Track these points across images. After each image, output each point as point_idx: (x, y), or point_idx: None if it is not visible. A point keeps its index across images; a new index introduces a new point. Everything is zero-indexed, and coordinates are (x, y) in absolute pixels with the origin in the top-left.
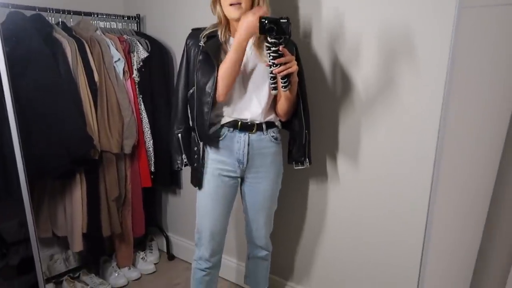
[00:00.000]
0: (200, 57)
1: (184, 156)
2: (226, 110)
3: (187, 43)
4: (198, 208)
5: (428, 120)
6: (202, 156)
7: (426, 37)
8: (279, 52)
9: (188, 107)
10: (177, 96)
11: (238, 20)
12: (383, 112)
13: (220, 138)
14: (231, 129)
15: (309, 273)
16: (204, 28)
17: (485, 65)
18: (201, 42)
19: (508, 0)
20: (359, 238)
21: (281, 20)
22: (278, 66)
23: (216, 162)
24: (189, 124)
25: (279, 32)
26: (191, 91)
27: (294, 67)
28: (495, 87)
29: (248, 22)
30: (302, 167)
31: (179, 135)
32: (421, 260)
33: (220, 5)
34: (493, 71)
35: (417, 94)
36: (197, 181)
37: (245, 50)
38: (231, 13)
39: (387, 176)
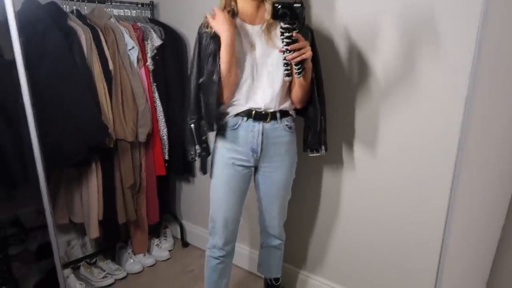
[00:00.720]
0: (211, 46)
1: (197, 146)
2: (239, 99)
3: (200, 31)
4: (212, 197)
5: (450, 112)
6: (208, 145)
7: (451, 23)
8: (293, 38)
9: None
10: (189, 86)
11: (253, 9)
12: (403, 100)
13: (234, 128)
14: (245, 118)
15: (322, 262)
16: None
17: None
18: (208, 29)
19: None
20: (374, 228)
21: (294, 5)
22: (292, 52)
23: (229, 151)
24: (202, 113)
25: (292, 17)
26: (201, 80)
27: (308, 53)
28: None
29: (219, 24)
30: (317, 155)
31: (192, 125)
32: (440, 253)
33: None
34: None
35: (439, 84)
36: (204, 167)
37: (233, 41)
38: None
39: (405, 167)
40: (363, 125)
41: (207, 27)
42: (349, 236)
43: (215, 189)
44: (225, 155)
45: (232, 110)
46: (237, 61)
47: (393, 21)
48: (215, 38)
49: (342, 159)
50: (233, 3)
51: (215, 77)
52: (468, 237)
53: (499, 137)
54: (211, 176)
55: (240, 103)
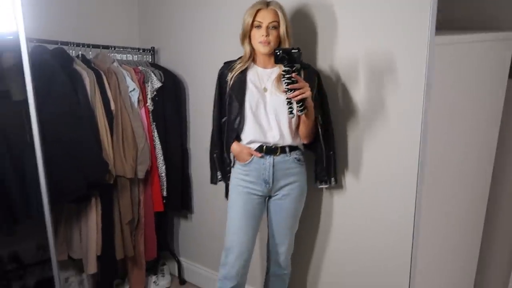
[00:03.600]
0: (229, 92)
1: (219, 172)
2: (252, 137)
3: (219, 75)
4: (229, 225)
5: (410, 131)
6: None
7: (404, 67)
8: (292, 78)
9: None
10: (213, 123)
11: (266, 54)
12: (377, 129)
13: (248, 162)
14: (257, 152)
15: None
16: (234, 61)
17: (461, 85)
18: (228, 78)
19: (474, 38)
20: (361, 247)
21: (292, 51)
22: (292, 91)
23: (244, 181)
24: (223, 146)
25: (290, 60)
26: (223, 119)
27: (307, 92)
28: (473, 107)
29: (239, 157)
30: (326, 186)
31: (214, 155)
32: (410, 266)
33: (250, 42)
34: (470, 89)
35: (399, 113)
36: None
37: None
38: (261, 48)
39: (379, 187)
40: (351, 152)
41: (229, 73)
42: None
43: (231, 217)
44: (241, 184)
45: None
46: (249, 103)
47: (361, 63)
48: (234, 90)
49: (340, 186)
50: (253, 51)
51: (237, 122)
52: (443, 244)
53: (463, 144)
54: (228, 206)
55: (254, 139)
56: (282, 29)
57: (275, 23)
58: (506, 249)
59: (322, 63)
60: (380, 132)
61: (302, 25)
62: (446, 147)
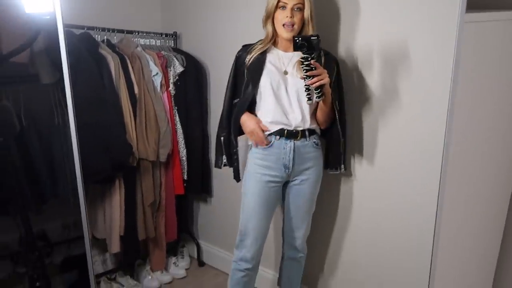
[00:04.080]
0: (246, 73)
1: (224, 156)
2: (273, 117)
3: (237, 57)
4: (243, 210)
5: (434, 124)
6: (238, 157)
7: (428, 50)
8: (311, 65)
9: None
10: (223, 103)
11: (289, 39)
12: (395, 116)
13: (268, 146)
14: (278, 136)
15: (331, 279)
16: (253, 44)
17: (487, 69)
18: (246, 59)
19: (507, 15)
20: (378, 235)
21: (311, 38)
22: (311, 78)
23: (262, 168)
24: (231, 130)
25: (309, 48)
26: (235, 101)
27: (325, 79)
28: (498, 90)
29: (249, 129)
30: (337, 172)
31: (222, 138)
32: (431, 262)
33: (273, 24)
34: (496, 73)
35: (423, 101)
36: (237, 176)
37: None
38: (284, 33)
39: (398, 173)
40: (365, 140)
41: (247, 55)
42: (355, 250)
43: (246, 203)
44: (258, 171)
45: (266, 131)
46: (270, 84)
47: (378, 50)
48: (250, 70)
49: (351, 173)
50: (275, 34)
51: (248, 103)
52: (463, 239)
53: (490, 138)
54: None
55: (274, 123)
56: (307, 12)
57: (300, 5)
58: None
59: (344, 49)
60: (403, 119)
61: (325, 9)
62: (470, 134)
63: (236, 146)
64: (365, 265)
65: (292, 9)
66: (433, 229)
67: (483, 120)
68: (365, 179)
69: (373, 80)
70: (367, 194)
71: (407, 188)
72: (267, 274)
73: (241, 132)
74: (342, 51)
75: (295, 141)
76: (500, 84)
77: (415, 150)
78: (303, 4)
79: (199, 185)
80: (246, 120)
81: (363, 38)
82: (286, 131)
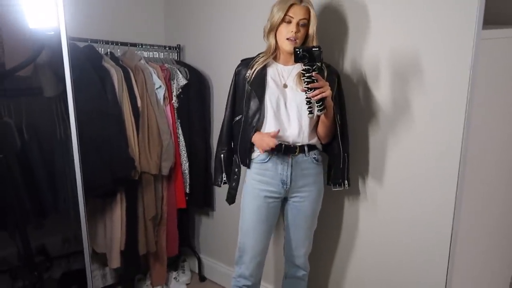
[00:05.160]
0: (248, 88)
1: (224, 174)
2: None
3: (236, 72)
4: (242, 227)
5: (449, 142)
6: (239, 177)
7: (442, 64)
8: (312, 77)
9: (233, 132)
10: (223, 120)
11: (290, 52)
12: (403, 129)
13: (265, 161)
14: (275, 152)
15: None
16: (252, 58)
17: (503, 86)
18: (248, 74)
19: None
20: (388, 252)
21: (313, 49)
22: (312, 90)
23: (260, 183)
24: (231, 146)
25: (311, 59)
26: (237, 118)
27: (327, 92)
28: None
29: (262, 143)
30: (340, 189)
31: (222, 155)
32: (446, 280)
33: (275, 37)
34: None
35: (437, 117)
36: (231, 198)
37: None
38: (287, 46)
39: (411, 193)
40: (373, 156)
41: (248, 70)
42: (365, 266)
43: (244, 220)
44: (256, 187)
45: None
46: (269, 99)
47: (387, 62)
48: (254, 85)
49: (358, 189)
50: (276, 47)
51: (256, 119)
52: (477, 264)
53: (506, 157)
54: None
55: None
56: (313, 28)
57: (305, 20)
58: None
59: (350, 61)
60: (414, 135)
61: (329, 22)
62: (485, 150)
63: (240, 166)
64: (372, 284)
65: (297, 24)
66: (448, 251)
67: (499, 138)
68: (373, 197)
69: (382, 93)
70: (375, 212)
71: (418, 208)
72: None
73: (247, 152)
74: (348, 63)
75: (293, 157)
76: None
77: (429, 169)
78: (309, 19)
79: (201, 199)
80: (259, 139)
81: (371, 50)
82: (284, 146)
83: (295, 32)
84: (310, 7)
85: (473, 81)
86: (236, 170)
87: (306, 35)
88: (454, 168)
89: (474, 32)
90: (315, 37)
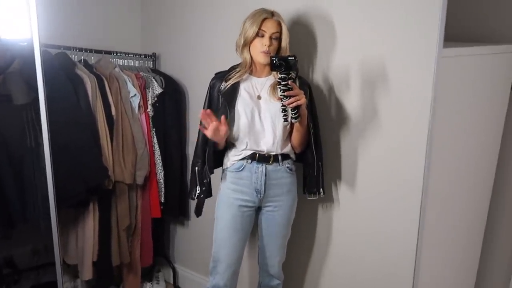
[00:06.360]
0: (222, 99)
1: (198, 188)
2: (245, 144)
3: (210, 86)
4: (216, 236)
5: (414, 148)
6: (208, 188)
7: (407, 72)
8: (288, 86)
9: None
10: (198, 133)
11: (266, 64)
12: (373, 139)
13: (239, 170)
14: (249, 160)
15: None
16: (226, 72)
17: (466, 97)
18: (221, 86)
19: (480, 50)
20: (360, 258)
21: (289, 58)
22: (288, 98)
23: (234, 192)
24: (205, 160)
25: (287, 68)
26: None
27: (302, 100)
28: (475, 109)
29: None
30: (315, 198)
31: (196, 168)
32: (414, 275)
33: (249, 51)
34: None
35: (402, 124)
36: (198, 210)
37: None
38: (262, 59)
39: (379, 195)
40: (345, 164)
41: (223, 82)
42: (340, 272)
43: (218, 229)
44: (230, 196)
45: (238, 155)
46: (244, 111)
47: (356, 72)
48: (226, 95)
49: (332, 196)
50: (251, 61)
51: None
52: (445, 268)
53: (468, 161)
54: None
55: (246, 147)
56: (285, 41)
57: (277, 34)
58: (507, 252)
59: (320, 72)
60: (380, 143)
61: (298, 35)
62: (449, 157)
63: (209, 176)
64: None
65: (270, 37)
66: (414, 258)
67: (462, 144)
68: (345, 204)
69: (351, 103)
70: (347, 219)
71: (388, 213)
72: None
73: (216, 160)
74: (318, 74)
75: (267, 165)
76: (476, 112)
77: (396, 174)
78: (280, 33)
79: (176, 208)
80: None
81: (339, 61)
82: (257, 155)
83: (269, 46)
84: (281, 21)
85: (436, 93)
86: (205, 181)
87: (279, 48)
88: (419, 173)
89: (436, 50)
90: (288, 49)
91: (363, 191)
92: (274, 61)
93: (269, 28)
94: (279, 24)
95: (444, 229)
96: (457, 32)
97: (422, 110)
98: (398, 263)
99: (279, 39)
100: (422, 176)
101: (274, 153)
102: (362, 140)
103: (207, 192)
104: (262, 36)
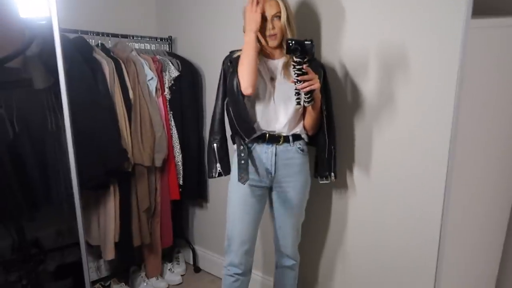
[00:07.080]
0: (231, 68)
1: (218, 165)
2: (256, 125)
3: (224, 62)
4: (228, 215)
5: (438, 132)
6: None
7: (430, 55)
8: (303, 70)
9: (227, 117)
10: (215, 109)
11: (275, 47)
12: (386, 120)
13: (250, 150)
14: (260, 140)
15: (332, 284)
16: (239, 50)
17: (492, 75)
18: (234, 56)
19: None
20: (378, 245)
21: (305, 42)
22: (302, 82)
23: None
24: (225, 135)
25: (303, 52)
26: (225, 101)
27: (316, 84)
28: (503, 95)
29: (251, 17)
30: (327, 182)
31: (215, 145)
32: (437, 263)
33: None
34: (500, 78)
35: (425, 108)
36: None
37: (254, 41)
38: (269, 42)
39: (399, 182)
40: (360, 148)
41: (230, 62)
42: (357, 256)
43: (231, 208)
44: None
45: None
46: (258, 95)
47: (374, 54)
48: (236, 63)
49: (346, 181)
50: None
51: (235, 88)
52: (466, 243)
53: (489, 147)
54: (228, 196)
55: (257, 128)
56: (283, 18)
57: (278, 14)
58: None
59: (335, 53)
60: (402, 126)
61: (309, 16)
62: (474, 143)
63: (245, 145)
64: (362, 274)
65: (272, 19)
66: (438, 241)
67: (488, 126)
68: (360, 189)
69: (368, 86)
70: (363, 204)
71: (406, 200)
72: (255, 276)
73: (248, 121)
74: (333, 56)
75: (277, 146)
76: (505, 91)
77: (417, 159)
78: (280, 12)
79: (195, 190)
80: (248, 20)
81: (356, 42)
82: (267, 135)
83: (273, 28)
84: (279, 1)
85: (462, 72)
86: (242, 147)
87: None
88: (443, 161)
89: (463, 21)
90: (289, 27)
91: (380, 176)
92: (290, 45)
93: (269, 10)
94: (278, 4)
95: (468, 216)
96: (485, 6)
97: (446, 90)
98: (419, 251)
99: (280, 19)
100: (446, 165)
101: (285, 134)
102: (378, 122)
103: (228, 168)
104: (266, 20)
